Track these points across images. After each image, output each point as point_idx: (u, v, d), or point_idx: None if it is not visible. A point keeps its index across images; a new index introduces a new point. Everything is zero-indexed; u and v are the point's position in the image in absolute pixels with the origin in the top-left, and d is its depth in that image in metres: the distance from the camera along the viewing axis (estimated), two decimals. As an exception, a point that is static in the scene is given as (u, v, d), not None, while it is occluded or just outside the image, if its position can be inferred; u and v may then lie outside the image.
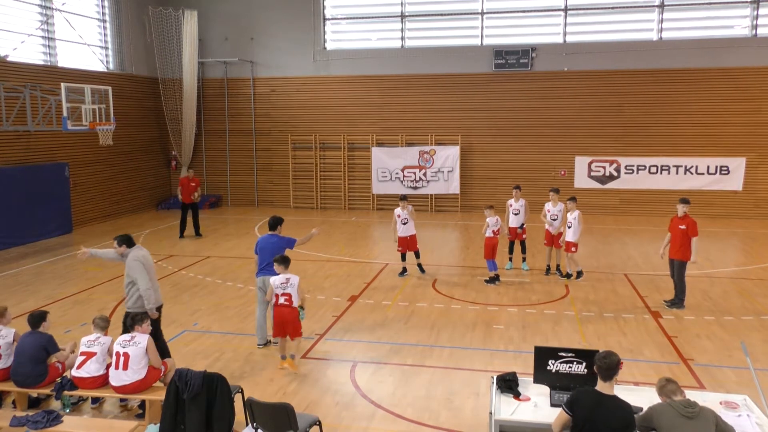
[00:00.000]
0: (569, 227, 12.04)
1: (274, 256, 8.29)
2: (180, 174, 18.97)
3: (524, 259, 13.32)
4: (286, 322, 7.87)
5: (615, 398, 4.79)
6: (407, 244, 12.58)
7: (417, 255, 12.79)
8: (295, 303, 7.89)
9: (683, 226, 10.21)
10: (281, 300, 7.86)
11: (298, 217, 20.40)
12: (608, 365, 4.82)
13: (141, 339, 6.54)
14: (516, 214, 12.93)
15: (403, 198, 12.73)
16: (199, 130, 22.63)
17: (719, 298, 11.07)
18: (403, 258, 12.79)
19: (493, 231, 12.08)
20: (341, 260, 14.27)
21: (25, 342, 6.78)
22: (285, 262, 8.01)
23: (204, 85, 22.60)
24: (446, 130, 21.07)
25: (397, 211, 12.49)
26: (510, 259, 13.36)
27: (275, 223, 8.86)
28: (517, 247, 13.28)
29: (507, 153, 20.77)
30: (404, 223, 12.43)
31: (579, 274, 12.27)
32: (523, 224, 13.00)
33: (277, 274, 7.99)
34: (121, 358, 6.43)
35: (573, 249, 12.03)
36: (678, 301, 10.43)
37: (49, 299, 11.15)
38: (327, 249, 15.45)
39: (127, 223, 19.23)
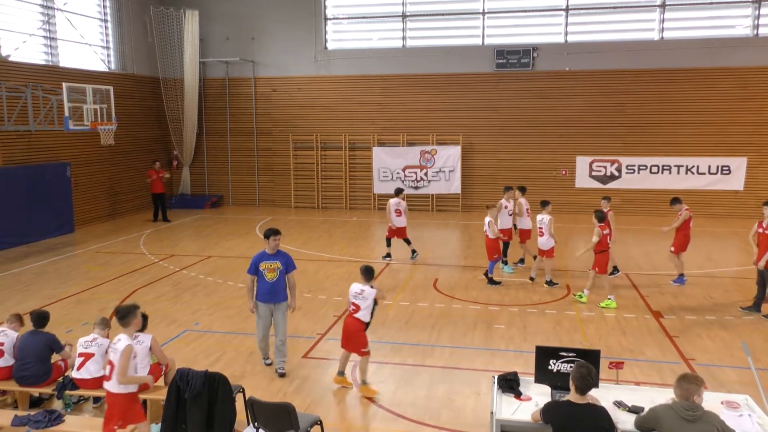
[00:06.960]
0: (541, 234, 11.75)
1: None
2: (154, 168, 19.27)
3: (506, 262, 13.15)
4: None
5: (588, 406, 4.75)
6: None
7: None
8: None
9: None
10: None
11: (299, 217, 20.42)
12: (583, 383, 4.78)
13: (145, 338, 6.56)
14: (511, 215, 12.87)
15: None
16: (200, 130, 22.64)
17: (720, 298, 11.08)
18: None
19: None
20: (342, 260, 14.28)
21: (30, 341, 6.78)
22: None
23: (205, 85, 22.61)
24: (447, 129, 21.07)
25: None
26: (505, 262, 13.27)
27: (268, 236, 7.85)
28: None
29: (508, 153, 20.77)
30: None
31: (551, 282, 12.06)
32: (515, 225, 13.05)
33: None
34: None
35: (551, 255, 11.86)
36: None
37: (51, 299, 11.17)
38: (328, 249, 15.46)
39: (128, 222, 19.25)
